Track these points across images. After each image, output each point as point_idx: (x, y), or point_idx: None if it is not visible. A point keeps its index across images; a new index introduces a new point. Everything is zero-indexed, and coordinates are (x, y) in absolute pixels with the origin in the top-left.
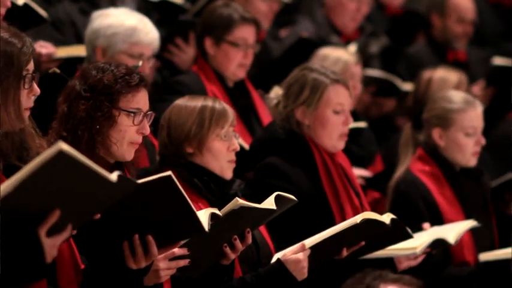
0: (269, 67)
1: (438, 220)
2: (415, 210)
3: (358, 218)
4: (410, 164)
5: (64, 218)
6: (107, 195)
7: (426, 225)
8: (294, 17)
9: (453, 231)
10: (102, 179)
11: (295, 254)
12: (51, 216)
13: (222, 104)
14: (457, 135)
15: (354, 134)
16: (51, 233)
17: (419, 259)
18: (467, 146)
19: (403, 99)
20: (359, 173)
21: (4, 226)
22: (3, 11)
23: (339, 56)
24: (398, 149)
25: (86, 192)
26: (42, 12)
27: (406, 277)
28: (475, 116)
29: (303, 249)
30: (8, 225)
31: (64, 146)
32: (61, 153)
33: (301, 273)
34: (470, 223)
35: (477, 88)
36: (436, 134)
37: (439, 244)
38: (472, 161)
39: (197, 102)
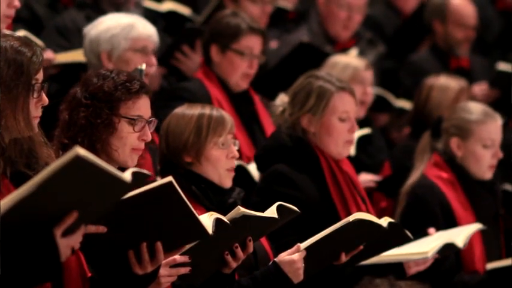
0: (269, 72)
1: (453, 226)
2: (431, 215)
3: (350, 218)
4: (426, 169)
5: (79, 218)
6: (119, 192)
7: (431, 230)
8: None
9: (460, 235)
10: (117, 180)
11: (289, 256)
12: (69, 218)
13: (219, 112)
14: (475, 147)
15: (362, 142)
16: (65, 233)
17: (427, 263)
18: (484, 158)
19: (397, 115)
20: (368, 177)
21: (20, 227)
22: (12, 12)
23: (348, 62)
24: (400, 159)
25: (100, 193)
26: None
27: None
28: (494, 129)
29: (297, 250)
30: (24, 226)
31: (81, 151)
32: (78, 158)
33: (297, 274)
34: (476, 226)
35: (478, 88)
36: (454, 143)
37: (448, 249)
38: (487, 174)
39: (195, 111)
